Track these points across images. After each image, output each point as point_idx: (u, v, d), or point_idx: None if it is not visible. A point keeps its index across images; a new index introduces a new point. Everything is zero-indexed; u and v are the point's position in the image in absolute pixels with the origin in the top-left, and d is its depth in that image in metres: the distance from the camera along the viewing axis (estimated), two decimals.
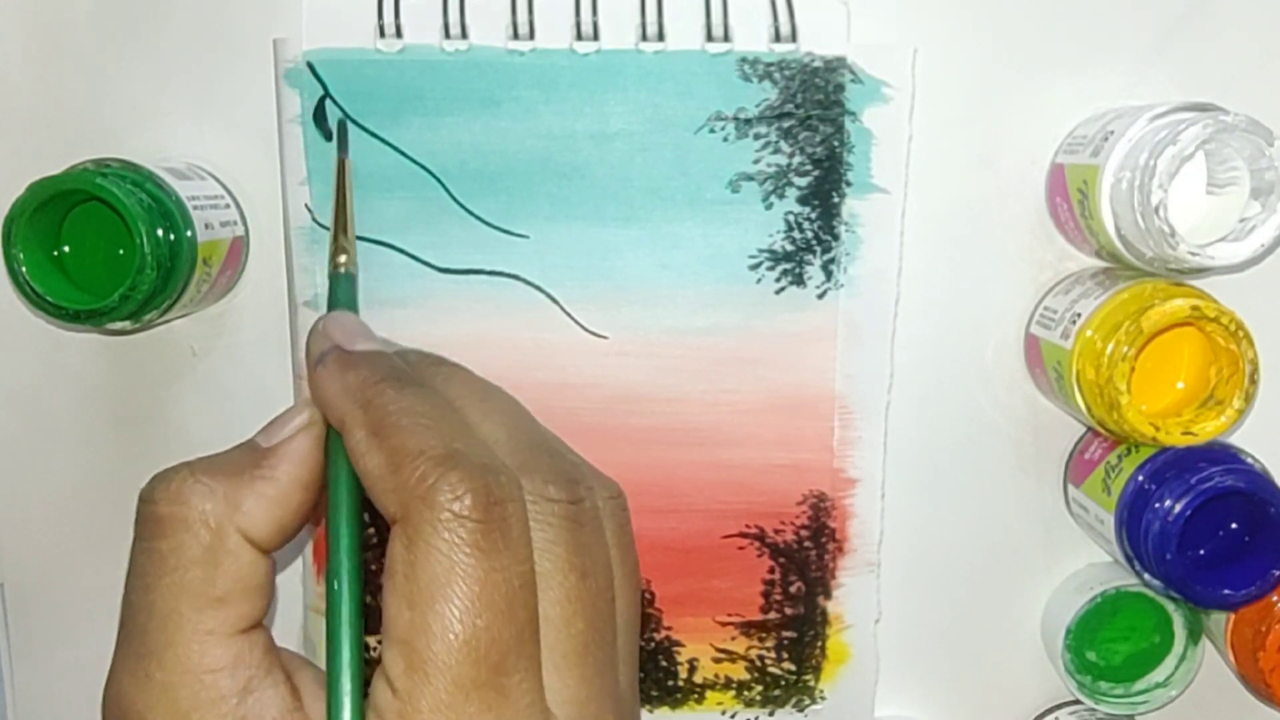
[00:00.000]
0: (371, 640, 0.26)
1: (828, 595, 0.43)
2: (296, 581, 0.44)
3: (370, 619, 0.26)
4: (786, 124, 0.40)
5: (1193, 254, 0.37)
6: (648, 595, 0.43)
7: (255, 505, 0.26)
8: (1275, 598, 0.40)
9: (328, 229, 0.40)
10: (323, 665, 0.26)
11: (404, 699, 0.23)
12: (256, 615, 0.26)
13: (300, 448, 0.28)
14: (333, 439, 0.28)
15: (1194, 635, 0.43)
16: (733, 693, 0.44)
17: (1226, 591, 0.39)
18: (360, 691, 0.25)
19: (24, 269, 0.37)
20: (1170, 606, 0.43)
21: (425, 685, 0.23)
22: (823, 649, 0.44)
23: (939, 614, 0.45)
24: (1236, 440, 0.41)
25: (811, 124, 0.40)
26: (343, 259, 0.35)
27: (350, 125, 0.40)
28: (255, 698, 0.25)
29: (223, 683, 0.25)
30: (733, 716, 0.44)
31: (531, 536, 0.25)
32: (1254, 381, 0.38)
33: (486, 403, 0.28)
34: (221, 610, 0.25)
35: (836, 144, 0.40)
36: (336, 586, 0.26)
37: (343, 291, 0.34)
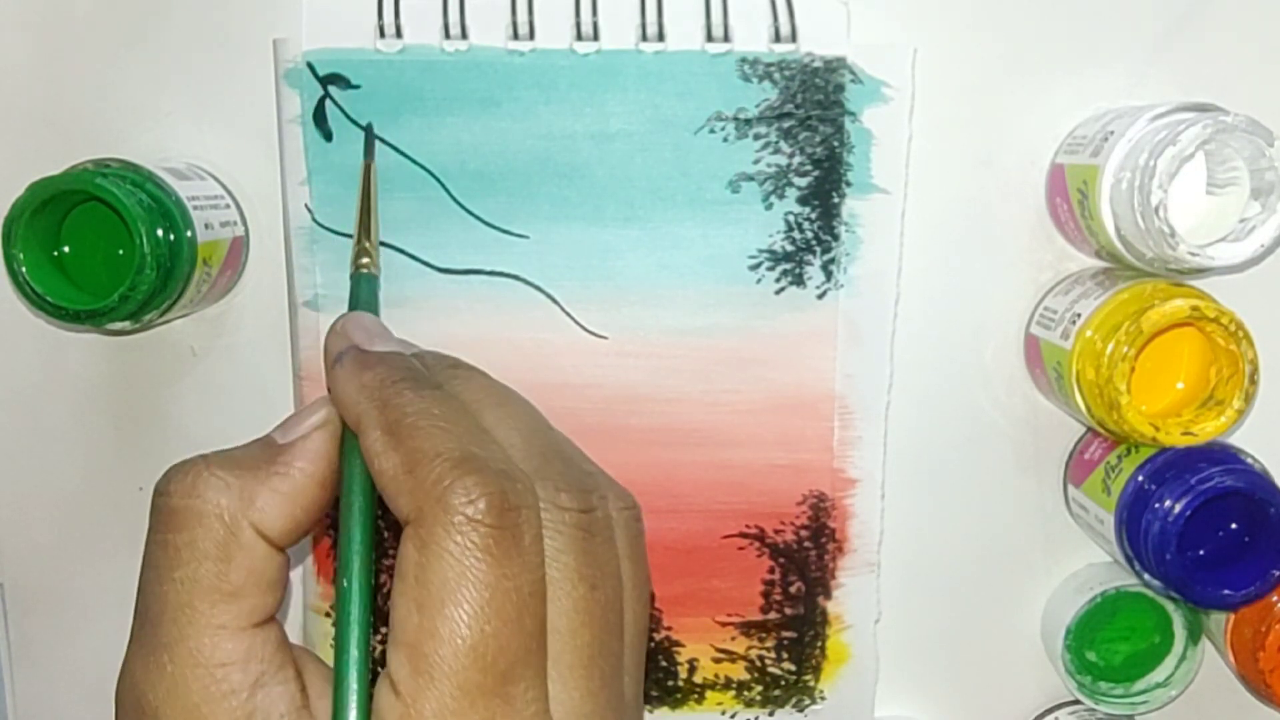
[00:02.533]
0: (376, 640, 0.26)
1: (828, 595, 0.43)
2: (297, 581, 0.44)
3: (379, 620, 0.26)
4: (786, 124, 0.40)
5: (1193, 254, 0.37)
6: None
7: (269, 501, 0.26)
8: (1275, 598, 0.40)
9: (327, 229, 0.40)
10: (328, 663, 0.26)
11: (407, 702, 0.23)
12: (269, 610, 0.26)
13: (317, 445, 0.27)
14: (348, 437, 0.28)
15: (1194, 635, 0.43)
16: (733, 693, 0.44)
17: (1226, 591, 0.39)
18: (366, 692, 0.25)
19: (24, 269, 0.37)
20: (1170, 606, 0.43)
21: (430, 689, 0.23)
22: (822, 649, 0.44)
23: (939, 614, 0.45)
24: (1236, 440, 0.41)
25: (811, 124, 0.40)
26: (365, 261, 0.35)
27: (350, 125, 0.40)
28: (265, 693, 0.25)
29: (234, 676, 0.25)
30: (733, 717, 0.44)
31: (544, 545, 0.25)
32: (1254, 381, 0.38)
33: (502, 407, 0.28)
34: (234, 604, 0.25)
35: (836, 144, 0.40)
36: (346, 585, 0.26)
37: (364, 292, 0.34)
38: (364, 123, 0.40)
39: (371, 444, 0.26)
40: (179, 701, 0.25)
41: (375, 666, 0.25)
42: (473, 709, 0.23)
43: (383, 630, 0.32)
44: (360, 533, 0.27)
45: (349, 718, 0.24)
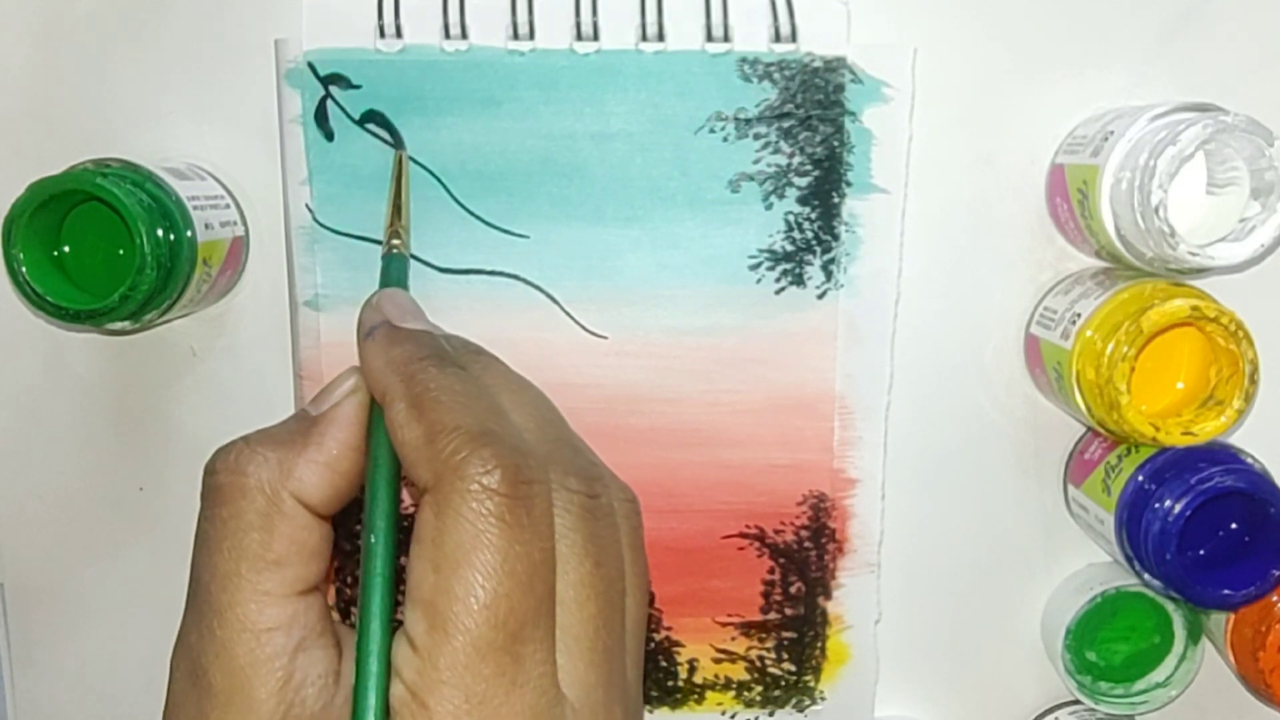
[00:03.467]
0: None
1: (828, 596, 0.43)
2: None
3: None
4: (786, 124, 0.40)
5: (1193, 254, 0.37)
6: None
7: (307, 470, 0.28)
8: (1275, 598, 0.40)
9: (328, 228, 0.40)
10: None
11: (423, 656, 0.25)
12: (313, 579, 0.27)
13: (348, 413, 0.29)
14: (375, 406, 0.29)
15: (1194, 635, 0.43)
16: (733, 693, 0.44)
17: (1226, 591, 0.39)
18: (387, 646, 0.26)
19: (24, 269, 0.37)
20: (1170, 606, 0.43)
21: (445, 644, 0.24)
22: (823, 649, 0.44)
23: (939, 614, 0.45)
24: (1236, 440, 0.41)
25: (811, 124, 0.40)
26: (396, 242, 0.37)
27: (351, 125, 0.40)
28: (306, 655, 0.26)
29: (278, 640, 0.26)
30: (732, 717, 0.44)
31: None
32: (1254, 381, 0.38)
33: (520, 394, 0.30)
34: (278, 572, 0.27)
35: (836, 144, 0.40)
36: (373, 540, 0.27)
37: (395, 271, 0.36)
38: (361, 119, 0.40)
39: (395, 415, 0.27)
40: (226, 663, 0.26)
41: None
42: (484, 663, 0.24)
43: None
44: (386, 494, 0.28)
45: (370, 668, 0.25)
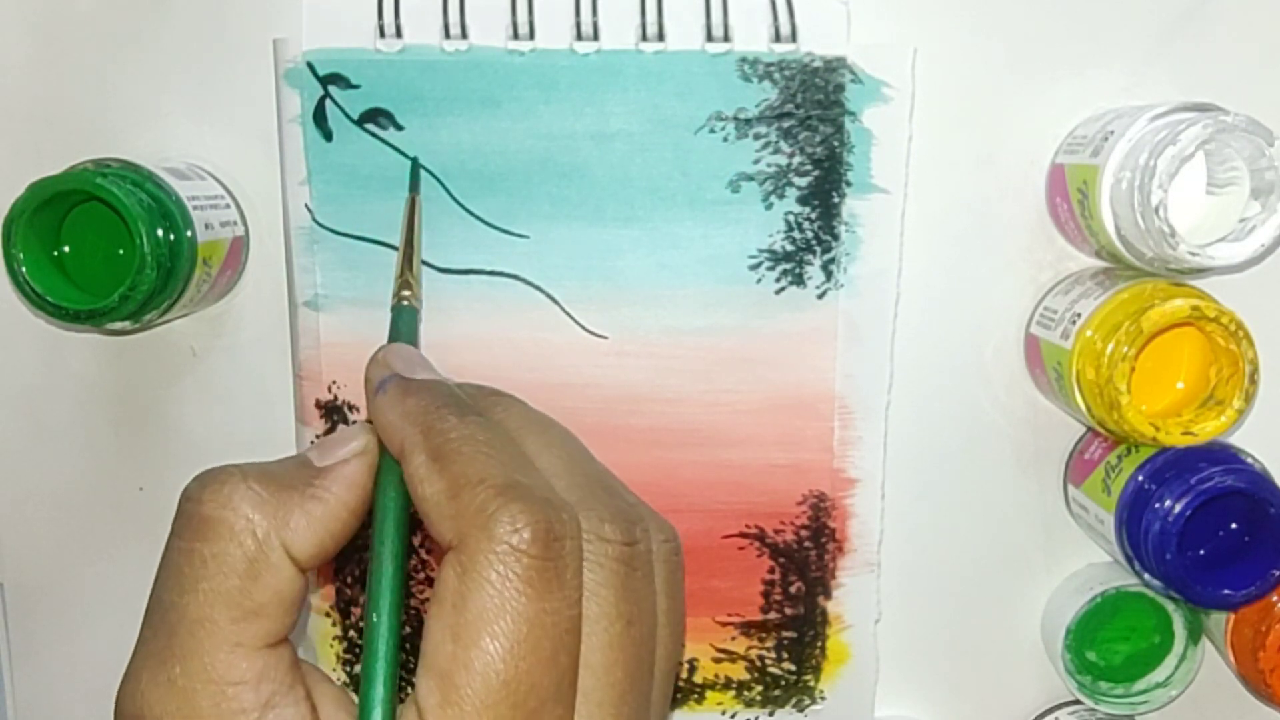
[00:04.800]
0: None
1: (828, 595, 0.43)
2: None
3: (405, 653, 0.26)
4: (786, 124, 0.40)
5: (1193, 254, 0.37)
6: None
7: (301, 522, 0.26)
8: (1275, 598, 0.40)
9: (328, 229, 0.40)
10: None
11: None
12: (285, 631, 0.26)
13: (353, 473, 0.27)
14: (385, 468, 0.28)
15: (1194, 635, 0.43)
16: (733, 693, 0.44)
17: (1226, 591, 0.39)
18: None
19: (24, 269, 0.37)
20: (1170, 606, 0.43)
21: None
22: (823, 649, 0.44)
23: (939, 614, 0.45)
24: (1236, 440, 0.41)
25: (811, 124, 0.40)
26: (407, 294, 0.35)
27: (352, 126, 0.40)
28: (275, 714, 0.24)
29: (245, 696, 0.24)
30: (733, 717, 0.44)
31: (583, 578, 0.25)
32: (1254, 381, 0.38)
33: (545, 435, 0.28)
34: (255, 623, 0.25)
35: (836, 144, 0.40)
36: (376, 619, 0.25)
37: (404, 324, 0.35)
38: (360, 119, 0.40)
39: (415, 469, 0.26)
40: (186, 717, 0.24)
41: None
42: None
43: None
44: (392, 568, 0.26)
45: None
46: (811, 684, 0.44)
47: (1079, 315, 0.39)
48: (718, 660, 0.44)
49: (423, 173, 0.40)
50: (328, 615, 0.43)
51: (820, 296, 0.41)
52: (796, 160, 0.40)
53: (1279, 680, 0.41)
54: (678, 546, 0.28)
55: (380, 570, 0.26)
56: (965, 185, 0.42)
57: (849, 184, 0.41)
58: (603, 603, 0.25)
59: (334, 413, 0.42)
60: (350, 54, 0.39)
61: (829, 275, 0.41)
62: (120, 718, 0.25)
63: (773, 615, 0.43)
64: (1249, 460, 0.40)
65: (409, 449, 0.26)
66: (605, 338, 0.41)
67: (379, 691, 0.24)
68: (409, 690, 0.25)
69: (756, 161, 0.40)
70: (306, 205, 0.40)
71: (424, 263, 0.41)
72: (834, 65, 0.40)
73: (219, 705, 0.24)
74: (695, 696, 0.44)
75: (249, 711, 0.24)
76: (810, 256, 0.41)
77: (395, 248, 0.40)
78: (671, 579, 0.27)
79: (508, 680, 0.23)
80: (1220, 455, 0.39)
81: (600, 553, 0.25)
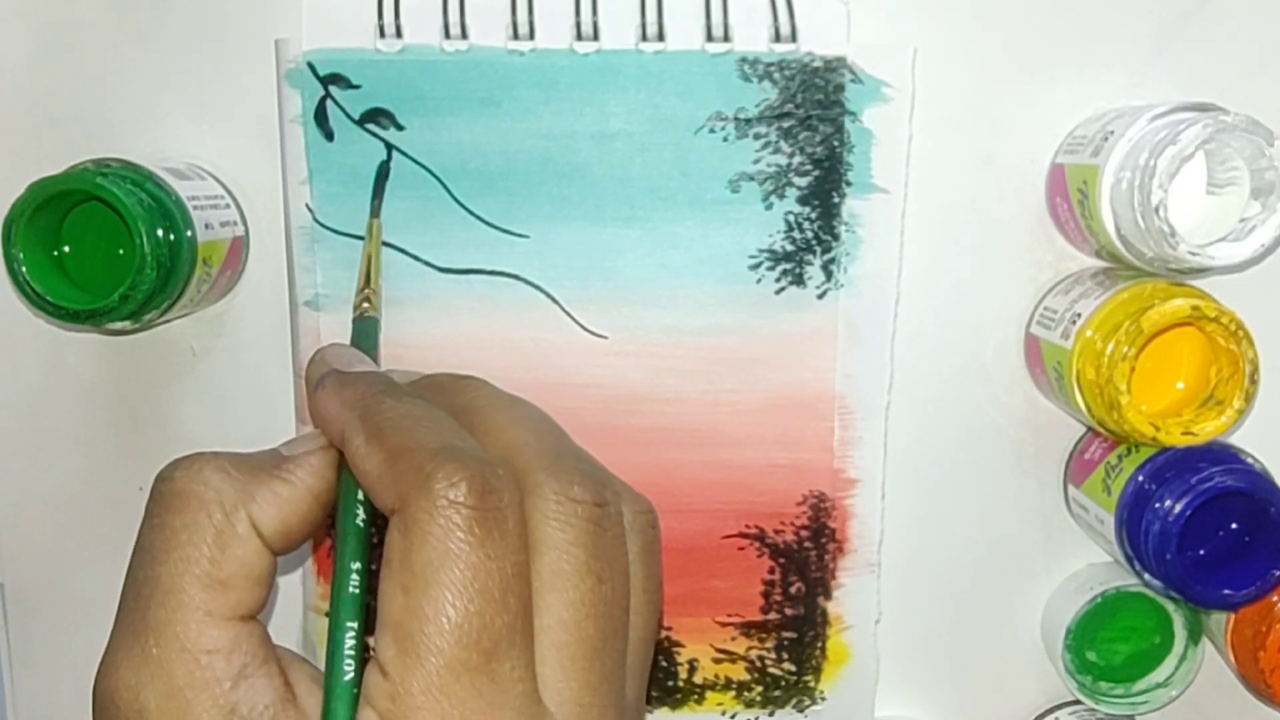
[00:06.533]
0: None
1: (828, 596, 0.43)
2: (297, 582, 0.44)
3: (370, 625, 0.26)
4: (786, 124, 0.40)
5: (1193, 254, 0.37)
6: None
7: (268, 500, 0.27)
8: (1275, 598, 0.40)
9: (328, 228, 0.40)
10: (322, 665, 0.26)
11: (395, 681, 0.24)
12: (255, 606, 0.27)
13: (318, 462, 0.28)
14: (344, 476, 0.28)
15: (1194, 635, 0.43)
16: (733, 693, 0.44)
17: (1226, 591, 0.39)
18: (358, 678, 0.25)
19: (24, 269, 0.37)
20: (1170, 606, 0.43)
21: (417, 668, 0.24)
22: (823, 649, 0.44)
23: (939, 614, 0.45)
24: (1236, 440, 0.41)
25: (811, 124, 0.40)
26: (366, 305, 0.37)
27: (352, 126, 0.40)
28: (249, 684, 0.25)
29: (218, 665, 0.25)
30: (733, 717, 0.44)
31: (553, 536, 0.26)
32: (1254, 381, 0.38)
33: (514, 410, 0.29)
34: (224, 593, 0.26)
35: (836, 144, 0.40)
36: (338, 596, 0.27)
37: (366, 333, 0.36)
38: (361, 119, 0.40)
39: (355, 450, 0.27)
40: (162, 685, 0.25)
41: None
42: (458, 684, 0.24)
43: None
44: (353, 540, 0.28)
45: (339, 699, 0.25)
46: (812, 684, 0.44)
47: (1079, 315, 0.39)
48: (718, 660, 0.44)
49: (423, 172, 0.40)
50: (327, 615, 0.43)
51: (820, 296, 0.41)
52: (796, 160, 0.40)
53: (1279, 680, 0.41)
54: (654, 519, 0.29)
55: (343, 545, 0.27)
56: (965, 185, 0.42)
57: (849, 184, 0.41)
58: (573, 560, 0.26)
59: None
60: (351, 54, 0.39)
61: (829, 275, 0.41)
62: (97, 694, 0.26)
63: (773, 616, 0.43)
64: (1249, 460, 0.40)
65: (349, 434, 0.27)
66: (605, 338, 0.41)
67: (346, 648, 0.26)
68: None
69: (756, 161, 0.40)
70: (307, 205, 0.40)
71: (425, 262, 0.41)
72: (834, 65, 0.40)
73: (193, 674, 0.25)
74: (695, 697, 0.44)
75: (222, 680, 0.25)
76: (810, 256, 0.41)
77: (396, 247, 0.41)
78: (647, 550, 0.28)
79: (459, 623, 0.24)
80: (1220, 455, 0.39)
81: (569, 512, 0.26)
